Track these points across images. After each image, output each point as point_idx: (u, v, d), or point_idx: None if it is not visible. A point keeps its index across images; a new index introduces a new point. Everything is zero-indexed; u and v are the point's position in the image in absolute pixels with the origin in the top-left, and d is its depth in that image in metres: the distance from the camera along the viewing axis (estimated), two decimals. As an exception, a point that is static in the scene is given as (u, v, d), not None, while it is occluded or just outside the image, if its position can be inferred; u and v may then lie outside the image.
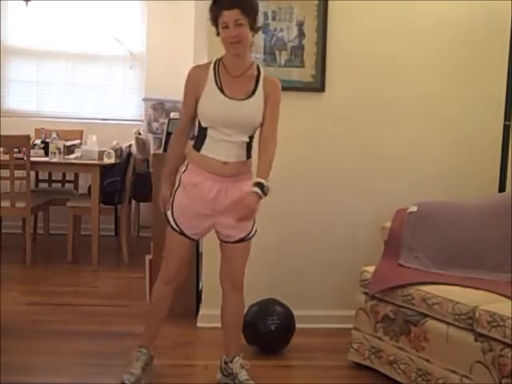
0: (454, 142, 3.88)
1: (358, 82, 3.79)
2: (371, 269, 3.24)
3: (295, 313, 3.50)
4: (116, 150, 5.38)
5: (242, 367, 3.01)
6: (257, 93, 2.83)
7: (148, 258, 4.13)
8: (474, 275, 3.10)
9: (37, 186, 6.07)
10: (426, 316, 2.94)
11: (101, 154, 5.24)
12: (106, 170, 5.28)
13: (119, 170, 5.35)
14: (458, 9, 3.77)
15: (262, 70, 2.88)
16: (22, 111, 6.45)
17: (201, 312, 3.86)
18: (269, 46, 3.69)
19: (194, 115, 2.89)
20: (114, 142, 5.54)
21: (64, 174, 6.27)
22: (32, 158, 5.13)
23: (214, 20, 2.75)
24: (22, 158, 5.08)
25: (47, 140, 5.46)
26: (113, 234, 5.74)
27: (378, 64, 3.79)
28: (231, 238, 2.92)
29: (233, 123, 2.79)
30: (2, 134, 5.14)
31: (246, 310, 3.47)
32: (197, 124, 2.91)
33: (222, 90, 2.79)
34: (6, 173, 5.03)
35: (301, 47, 3.70)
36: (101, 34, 6.35)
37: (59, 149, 5.29)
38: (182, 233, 2.88)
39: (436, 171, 3.87)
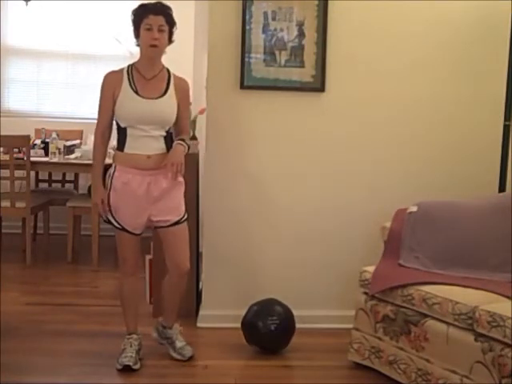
0: (454, 142, 3.88)
1: (358, 82, 3.79)
2: (371, 269, 3.24)
3: (295, 313, 3.50)
4: (116, 150, 5.37)
5: (180, 333, 3.35)
6: (169, 92, 3.13)
7: (148, 257, 4.13)
8: (474, 275, 3.10)
9: (37, 185, 6.07)
10: (426, 316, 2.94)
11: (101, 154, 5.23)
12: (105, 170, 5.26)
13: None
14: (458, 9, 3.77)
15: (171, 73, 3.19)
16: (22, 111, 6.45)
17: (201, 312, 3.86)
18: (269, 46, 3.68)
19: (112, 118, 3.16)
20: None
21: (64, 174, 6.27)
22: (32, 158, 5.13)
23: (138, 22, 3.07)
24: (22, 158, 5.08)
25: (47, 140, 5.46)
26: (113, 234, 5.72)
27: (377, 64, 3.79)
28: (167, 222, 3.16)
29: (149, 120, 3.08)
30: (2, 134, 5.14)
31: (245, 310, 3.49)
32: (116, 127, 3.17)
33: (136, 92, 3.09)
34: (6, 173, 5.03)
35: (301, 47, 3.70)
36: (101, 34, 6.34)
37: (59, 149, 5.29)
38: (124, 229, 3.15)
39: (436, 171, 3.87)
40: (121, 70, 3.16)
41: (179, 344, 3.32)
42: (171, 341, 3.33)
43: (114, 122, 3.18)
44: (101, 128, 3.18)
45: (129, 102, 3.08)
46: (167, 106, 3.12)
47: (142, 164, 3.09)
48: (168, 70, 3.20)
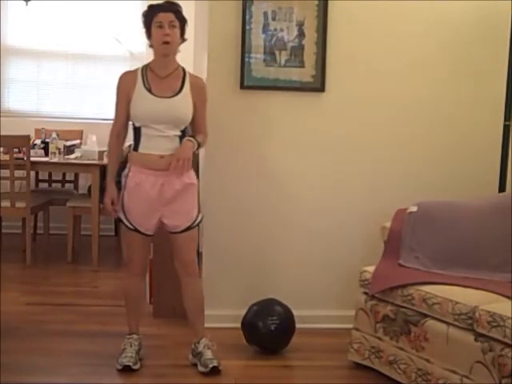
0: (453, 142, 3.88)
1: (358, 82, 3.79)
2: (371, 269, 3.24)
3: (295, 313, 3.50)
4: (116, 150, 5.36)
5: (209, 348, 3.19)
6: (183, 90, 3.09)
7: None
8: (474, 275, 3.10)
9: (37, 185, 6.07)
10: (426, 316, 2.94)
11: (101, 154, 5.22)
12: (105, 170, 5.27)
13: (119, 170, 5.33)
14: (458, 9, 3.78)
15: (187, 72, 3.16)
16: (22, 111, 6.45)
17: (201, 312, 3.86)
18: (269, 46, 3.69)
19: (127, 119, 3.14)
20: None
21: (64, 174, 6.28)
22: (32, 158, 5.13)
23: (149, 22, 3.04)
24: (22, 158, 5.08)
25: (47, 140, 5.46)
26: (113, 234, 5.74)
27: (377, 64, 3.79)
28: (179, 228, 3.12)
29: (163, 119, 3.04)
30: (2, 134, 5.14)
31: (245, 310, 3.49)
32: (132, 127, 3.12)
33: (149, 90, 3.05)
34: (6, 173, 5.03)
35: (301, 47, 3.70)
36: (101, 34, 6.35)
37: (59, 149, 5.29)
38: (136, 230, 3.11)
39: (436, 171, 3.87)
40: (135, 70, 3.14)
41: (206, 356, 3.15)
42: (200, 356, 3.17)
43: (130, 123, 3.15)
44: (116, 128, 3.16)
45: (142, 101, 3.04)
46: (181, 104, 3.08)
47: (155, 164, 3.04)
48: (183, 69, 3.15)
